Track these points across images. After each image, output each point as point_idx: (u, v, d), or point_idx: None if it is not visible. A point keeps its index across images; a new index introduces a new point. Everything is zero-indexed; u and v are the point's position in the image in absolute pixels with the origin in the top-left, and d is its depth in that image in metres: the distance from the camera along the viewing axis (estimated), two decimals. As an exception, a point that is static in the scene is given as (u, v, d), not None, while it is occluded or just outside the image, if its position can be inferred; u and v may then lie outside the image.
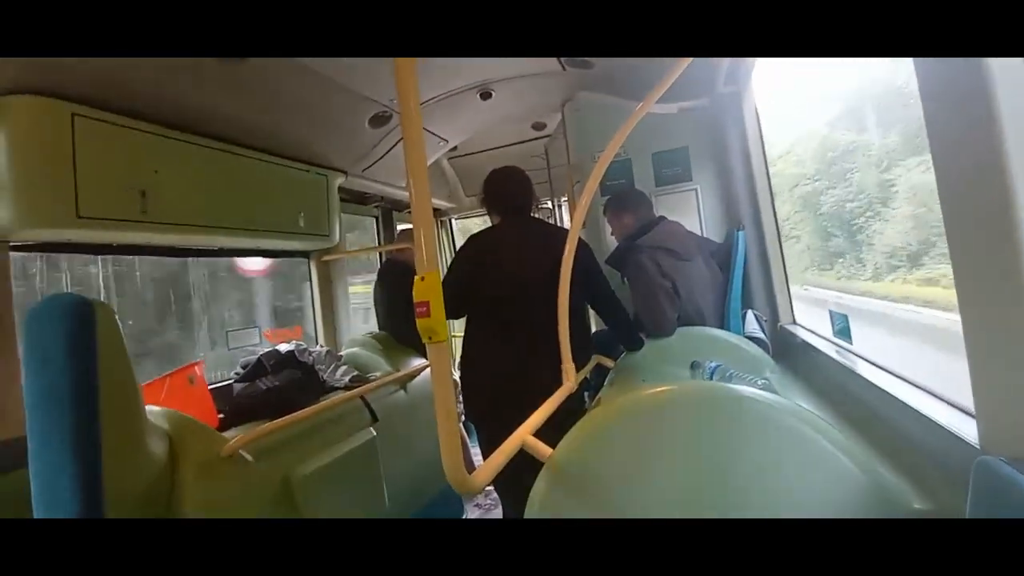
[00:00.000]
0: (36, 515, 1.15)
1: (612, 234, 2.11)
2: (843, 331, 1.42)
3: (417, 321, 0.69)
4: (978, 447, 0.69)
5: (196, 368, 1.72)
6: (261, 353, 1.92)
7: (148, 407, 1.25)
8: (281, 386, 1.82)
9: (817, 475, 0.77)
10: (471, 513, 2.52)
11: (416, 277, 0.70)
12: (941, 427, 0.83)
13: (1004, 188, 0.56)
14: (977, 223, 0.63)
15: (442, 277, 1.48)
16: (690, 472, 0.80)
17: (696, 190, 2.29)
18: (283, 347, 1.96)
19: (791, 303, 2.00)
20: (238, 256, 2.25)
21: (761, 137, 2.05)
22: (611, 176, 2.35)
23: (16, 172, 1.32)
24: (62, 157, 1.37)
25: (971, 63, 0.58)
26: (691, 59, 1.13)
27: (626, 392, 0.92)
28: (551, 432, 0.99)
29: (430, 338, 0.69)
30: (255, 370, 1.89)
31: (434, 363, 0.70)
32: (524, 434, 1.01)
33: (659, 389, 0.89)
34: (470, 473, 0.79)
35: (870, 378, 1.15)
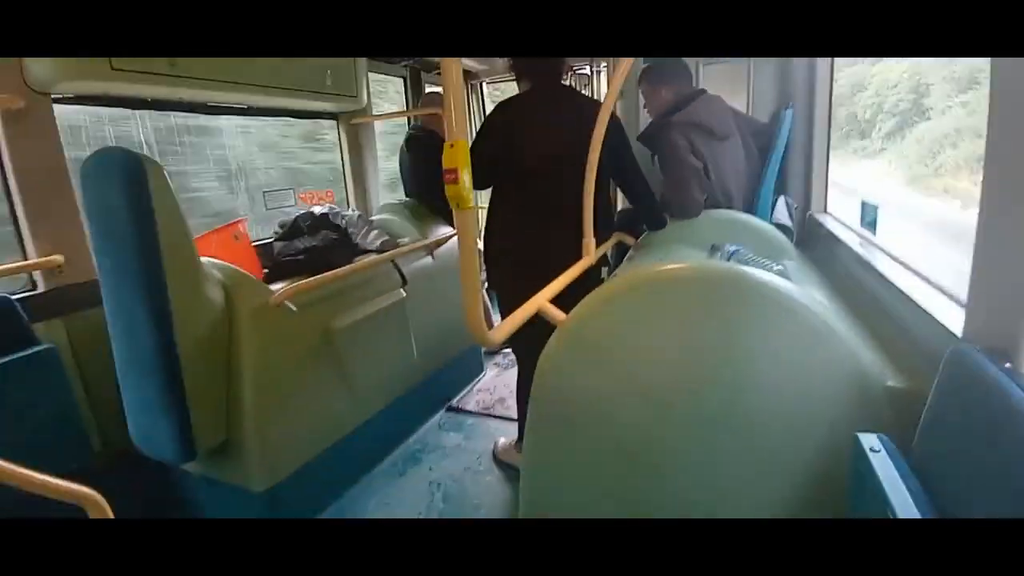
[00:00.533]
0: (115, 350, 1.34)
1: (645, 107, 2.00)
2: (871, 223, 1.40)
3: (446, 188, 0.73)
4: (959, 336, 0.74)
5: (240, 225, 1.84)
6: (298, 214, 2.02)
7: (201, 259, 1.38)
8: (318, 246, 1.95)
9: (804, 353, 0.83)
10: (490, 371, 2.79)
11: (445, 144, 0.72)
12: (928, 314, 0.87)
13: None
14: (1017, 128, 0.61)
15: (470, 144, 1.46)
16: (691, 346, 0.88)
17: (750, 64, 2.09)
18: (317, 209, 2.05)
19: (826, 192, 1.93)
20: (267, 115, 2.24)
21: None
22: None
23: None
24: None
25: None
26: None
27: (638, 269, 0.97)
28: (568, 303, 1.07)
29: (457, 205, 0.73)
30: (292, 230, 2.00)
31: (460, 229, 0.75)
32: (541, 300, 1.10)
33: (668, 267, 0.93)
34: (490, 330, 0.89)
35: (878, 267, 1.17)
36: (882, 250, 1.29)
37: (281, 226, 2.02)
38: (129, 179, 1.17)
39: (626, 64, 1.18)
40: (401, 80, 3.04)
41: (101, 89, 1.52)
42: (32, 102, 1.37)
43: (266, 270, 1.92)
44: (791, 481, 0.85)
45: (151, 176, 1.19)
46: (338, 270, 1.68)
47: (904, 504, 0.57)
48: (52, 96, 1.43)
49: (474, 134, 1.66)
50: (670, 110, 1.82)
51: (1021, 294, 0.58)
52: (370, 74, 2.48)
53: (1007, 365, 0.57)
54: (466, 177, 0.72)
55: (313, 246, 1.94)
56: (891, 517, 0.58)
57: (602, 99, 2.17)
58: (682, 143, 1.75)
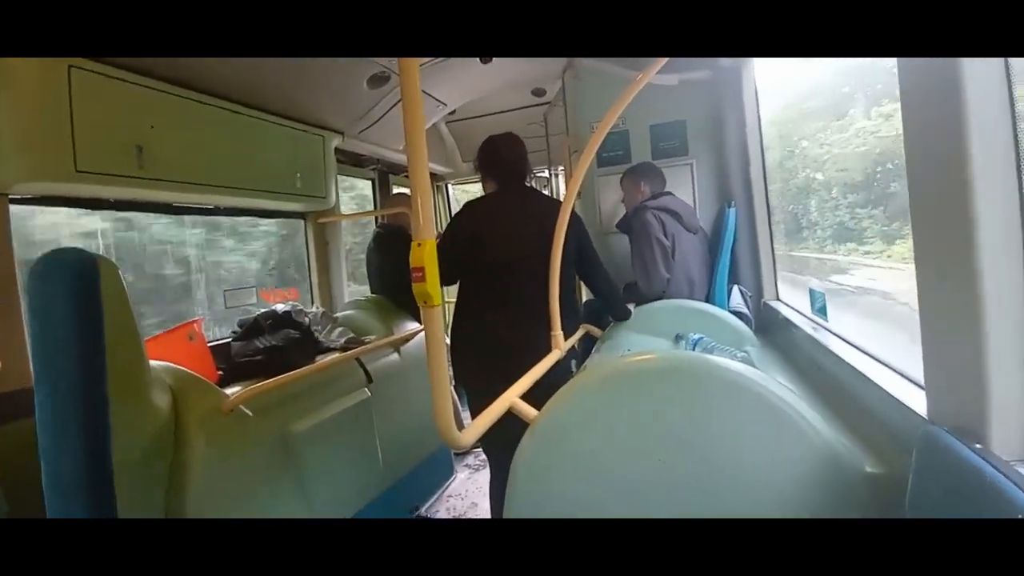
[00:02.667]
0: (43, 463, 1.20)
1: (623, 201, 2.17)
2: (821, 309, 1.48)
3: (413, 286, 0.73)
4: (926, 417, 0.75)
5: (195, 325, 1.76)
6: (258, 313, 1.96)
7: (151, 362, 1.30)
8: (278, 345, 1.87)
9: (780, 440, 0.83)
10: (461, 473, 2.63)
11: (413, 243, 0.73)
12: (893, 398, 0.89)
13: (964, 184, 0.60)
14: (939, 211, 0.67)
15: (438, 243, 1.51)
16: (664, 436, 0.86)
17: (692, 164, 2.31)
18: (280, 307, 2.00)
19: (776, 280, 2.06)
20: (235, 215, 2.26)
21: (758, 114, 2.06)
22: (608, 147, 2.36)
23: (14, 127, 1.32)
24: (59, 111, 1.36)
25: (948, 63, 0.61)
26: None
27: (607, 361, 0.97)
28: (539, 397, 1.05)
29: (425, 302, 0.73)
30: (252, 329, 1.93)
31: (428, 327, 0.75)
32: (512, 396, 1.07)
33: (638, 358, 0.94)
34: (460, 431, 0.85)
35: (837, 352, 1.22)
36: (836, 335, 1.35)
37: (240, 325, 1.95)
38: (79, 281, 1.12)
39: (583, 167, 1.28)
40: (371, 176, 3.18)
41: (63, 191, 1.51)
42: None
43: (220, 372, 1.82)
44: None
45: (104, 278, 1.14)
46: (298, 370, 1.61)
47: None
48: (9, 197, 1.40)
49: (440, 233, 1.72)
50: (648, 199, 1.99)
51: (974, 371, 0.61)
52: (339, 176, 2.58)
53: (977, 446, 0.57)
54: (433, 276, 0.74)
55: (272, 345, 1.87)
56: None
57: (561, 198, 2.32)
58: (654, 222, 1.91)
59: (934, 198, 0.68)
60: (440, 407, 0.78)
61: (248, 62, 1.76)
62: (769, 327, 1.91)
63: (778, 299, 2.02)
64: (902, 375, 0.99)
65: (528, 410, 1.04)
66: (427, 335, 0.75)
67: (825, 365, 1.32)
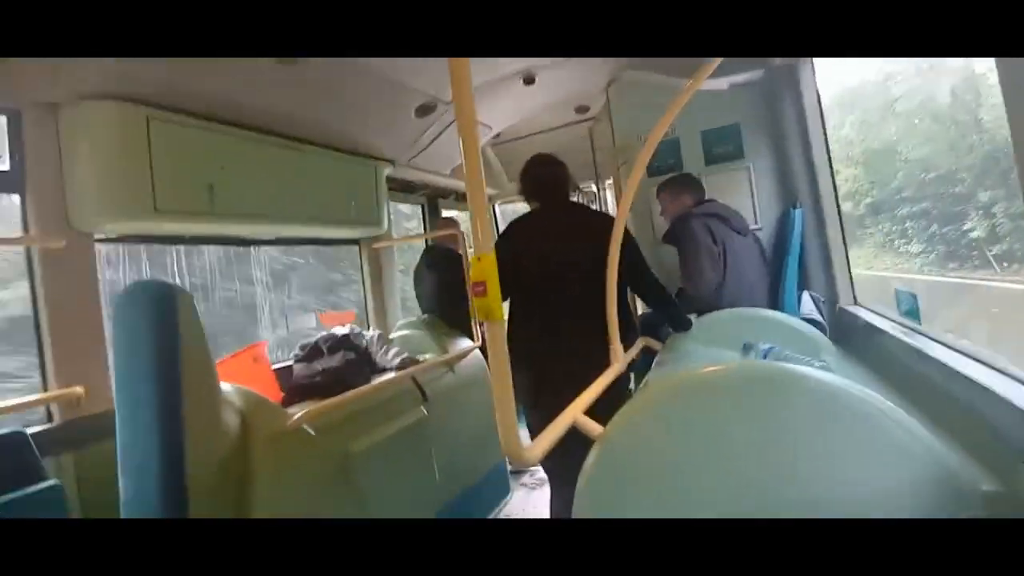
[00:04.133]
0: (122, 481, 1.27)
1: (662, 214, 2.10)
2: (911, 312, 1.34)
3: (475, 300, 0.72)
4: None
5: (259, 348, 1.84)
6: (319, 336, 2.02)
7: (221, 384, 1.35)
8: (337, 367, 1.92)
9: (879, 456, 0.74)
10: (517, 492, 2.57)
11: (472, 257, 0.72)
12: (1012, 404, 0.78)
13: None
14: None
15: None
16: (744, 453, 0.79)
17: (749, 168, 2.21)
18: (338, 330, 2.05)
19: (852, 283, 1.90)
20: (295, 244, 2.37)
21: (821, 110, 1.94)
22: (659, 157, 2.30)
23: (99, 172, 1.45)
24: (139, 157, 1.48)
25: None
26: None
27: (676, 373, 0.91)
28: (598, 413, 1.00)
29: (487, 317, 0.71)
30: (313, 352, 1.99)
31: (491, 340, 0.72)
32: (576, 412, 1.02)
33: (713, 368, 0.87)
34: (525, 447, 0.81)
35: (939, 358, 1.09)
36: (933, 339, 1.21)
37: (302, 348, 2.02)
38: (158, 311, 1.19)
39: (635, 179, 1.24)
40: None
41: (144, 229, 1.63)
42: (73, 242, 1.44)
43: (284, 393, 1.88)
44: None
45: (180, 308, 1.21)
46: (356, 390, 1.63)
47: None
48: (95, 237, 1.52)
49: None
50: (692, 206, 1.92)
51: None
52: (391, 202, 2.66)
53: None
54: (494, 290, 0.72)
55: (331, 367, 1.92)
56: None
57: (609, 212, 2.27)
58: (700, 228, 1.83)
59: None
60: (505, 422, 0.75)
61: (303, 99, 1.86)
62: (847, 335, 1.76)
63: (856, 303, 1.86)
64: (1014, 378, 0.87)
65: (593, 426, 0.99)
66: (490, 350, 0.73)
67: (921, 372, 1.18)
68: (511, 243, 1.69)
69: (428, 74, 2.04)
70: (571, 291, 1.59)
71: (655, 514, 0.83)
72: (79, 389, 1.42)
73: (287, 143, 1.99)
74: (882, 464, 0.73)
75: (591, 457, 0.90)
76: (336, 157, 2.23)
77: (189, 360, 1.22)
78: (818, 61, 1.92)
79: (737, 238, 1.85)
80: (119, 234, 1.63)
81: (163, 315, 1.20)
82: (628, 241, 1.69)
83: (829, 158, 1.93)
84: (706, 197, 1.99)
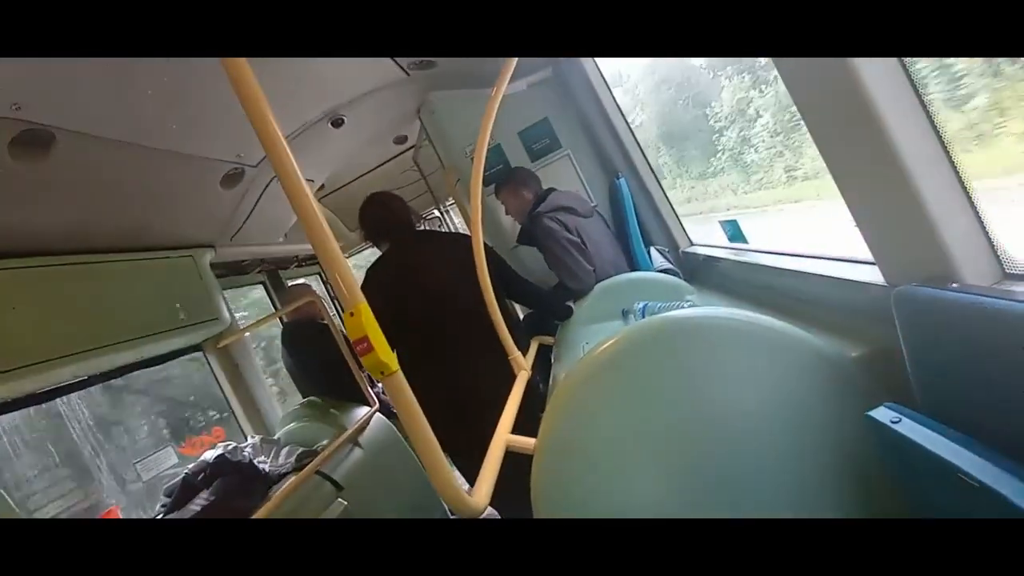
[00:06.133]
0: None
1: (508, 213, 2.15)
2: (735, 235, 1.55)
3: (362, 359, 0.64)
4: (887, 285, 0.78)
5: (112, 516, 1.47)
6: (186, 471, 1.68)
7: None
8: (220, 500, 1.61)
9: (768, 363, 0.82)
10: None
11: (345, 314, 0.64)
12: (850, 280, 0.93)
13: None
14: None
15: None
16: (674, 404, 0.83)
17: (569, 154, 2.39)
18: (209, 454, 1.73)
19: (683, 228, 2.16)
20: (120, 375, 1.95)
21: (612, 96, 2.18)
22: (488, 165, 2.37)
23: None
24: None
25: None
26: None
27: (582, 358, 0.93)
28: (524, 426, 0.97)
29: (382, 372, 0.64)
30: (184, 492, 1.65)
31: (395, 395, 0.66)
32: (504, 434, 0.98)
33: (611, 341, 0.90)
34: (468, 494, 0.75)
35: (773, 264, 1.28)
36: (763, 252, 1.42)
37: (167, 494, 1.66)
38: None
39: (476, 191, 1.25)
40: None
41: None
42: None
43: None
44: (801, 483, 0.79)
45: None
46: (256, 514, 1.39)
47: (971, 461, 0.53)
48: None
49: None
50: (533, 207, 1.98)
51: (918, 224, 0.64)
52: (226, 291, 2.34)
53: (954, 285, 0.59)
54: (380, 342, 0.65)
55: (212, 501, 1.60)
56: (964, 478, 0.53)
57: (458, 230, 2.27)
58: (555, 225, 1.89)
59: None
60: (438, 474, 0.68)
61: (88, 205, 1.54)
62: (697, 272, 1.99)
63: (692, 244, 2.12)
64: (842, 260, 1.04)
65: (526, 441, 0.96)
66: (398, 405, 0.66)
67: (762, 281, 1.38)
68: (376, 291, 1.59)
69: (222, 139, 1.83)
70: (453, 319, 1.55)
71: (615, 499, 0.82)
72: None
73: (83, 259, 1.62)
74: (768, 367, 0.82)
75: (535, 471, 0.88)
76: (144, 259, 1.89)
77: None
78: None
79: (587, 223, 1.97)
80: None
81: None
82: (491, 253, 1.71)
83: (632, 134, 2.18)
84: (543, 187, 2.09)
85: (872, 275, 0.87)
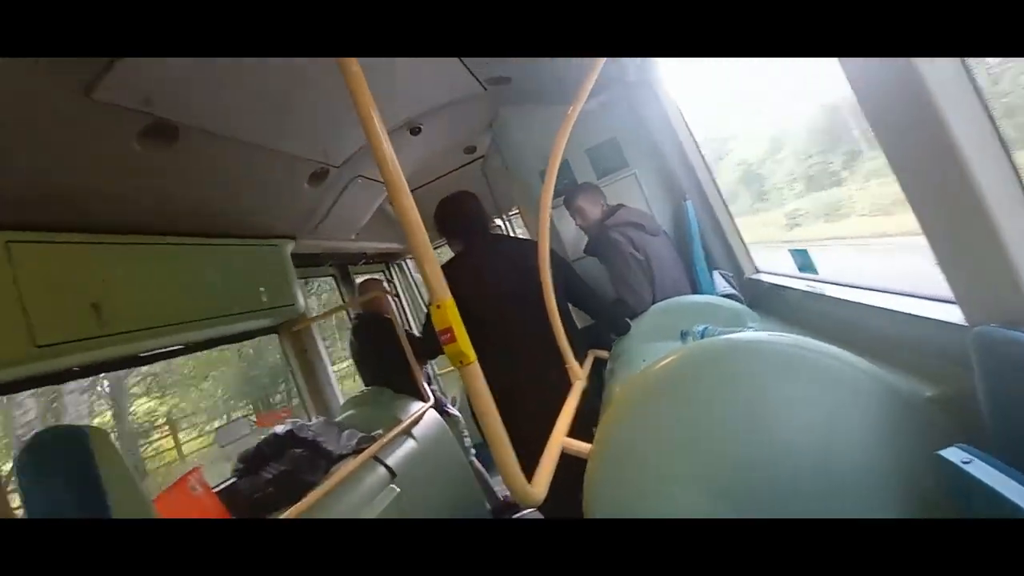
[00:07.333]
0: None
1: (578, 224, 2.20)
2: (806, 265, 1.53)
3: (445, 348, 0.71)
4: (967, 325, 0.77)
5: (195, 475, 1.63)
6: (259, 441, 1.84)
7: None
8: (288, 470, 1.75)
9: (837, 396, 0.81)
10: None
11: (432, 306, 0.72)
12: (927, 318, 0.91)
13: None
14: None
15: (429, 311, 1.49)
16: (732, 429, 0.83)
17: (635, 174, 2.42)
18: (279, 428, 1.88)
19: (749, 255, 2.13)
20: (205, 348, 2.16)
21: (683, 116, 2.20)
22: (556, 180, 2.43)
23: None
24: (4, 289, 1.28)
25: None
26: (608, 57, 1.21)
27: (643, 371, 0.95)
28: (575, 432, 1.01)
29: (461, 362, 0.71)
30: (256, 461, 1.80)
31: (470, 382, 0.72)
32: (561, 437, 1.03)
33: (671, 357, 0.92)
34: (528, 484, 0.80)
35: (841, 296, 1.25)
36: (836, 284, 1.39)
37: (242, 460, 1.82)
38: (71, 459, 1.02)
39: (547, 199, 1.31)
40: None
41: (23, 373, 1.40)
42: None
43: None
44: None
45: (97, 449, 1.05)
46: (318, 488, 1.51)
47: None
48: None
49: (410, 311, 1.70)
50: (604, 217, 2.03)
51: (1000, 264, 0.64)
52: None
53: None
54: (462, 333, 0.72)
55: (282, 471, 1.74)
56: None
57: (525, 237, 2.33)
58: (622, 240, 1.93)
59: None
60: (505, 461, 0.74)
61: (188, 192, 1.74)
62: (760, 300, 1.96)
63: (758, 271, 2.09)
64: (920, 297, 1.01)
65: (580, 445, 1.00)
66: (471, 392, 0.73)
67: (831, 314, 1.35)
68: (452, 287, 1.68)
69: (312, 139, 2.01)
70: (519, 321, 1.61)
71: (669, 500, 0.84)
72: None
73: (178, 240, 1.83)
74: (837, 401, 0.81)
75: (589, 475, 0.91)
76: (234, 244, 2.09)
77: (120, 503, 1.05)
78: (667, 74, 2.18)
79: (654, 240, 1.99)
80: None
81: (78, 461, 1.03)
82: (558, 259, 1.76)
83: (701, 156, 2.18)
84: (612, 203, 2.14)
85: (949, 313, 0.85)
